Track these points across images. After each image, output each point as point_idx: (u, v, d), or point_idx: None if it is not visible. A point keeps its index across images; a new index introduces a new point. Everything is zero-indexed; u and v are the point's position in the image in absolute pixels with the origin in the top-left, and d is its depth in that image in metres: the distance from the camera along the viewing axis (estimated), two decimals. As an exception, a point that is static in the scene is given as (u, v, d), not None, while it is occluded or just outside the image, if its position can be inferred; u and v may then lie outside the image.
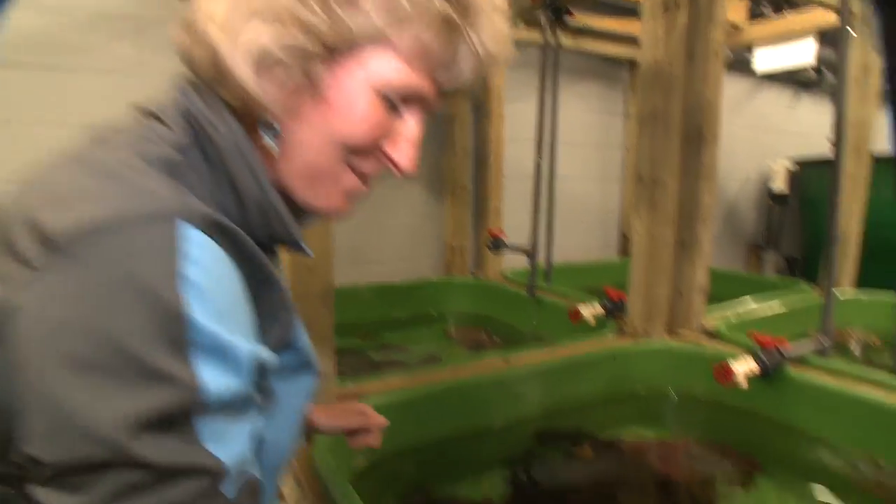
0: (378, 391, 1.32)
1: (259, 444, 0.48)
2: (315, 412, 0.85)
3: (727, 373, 1.38)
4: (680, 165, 1.72)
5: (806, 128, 3.73)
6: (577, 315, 1.84)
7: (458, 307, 2.50)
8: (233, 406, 0.42)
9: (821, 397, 1.41)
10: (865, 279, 2.43)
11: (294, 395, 0.57)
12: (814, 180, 3.24)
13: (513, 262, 2.65)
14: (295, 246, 0.54)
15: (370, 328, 2.31)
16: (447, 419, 1.37)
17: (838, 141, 1.62)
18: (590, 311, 1.85)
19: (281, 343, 0.51)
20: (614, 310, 1.88)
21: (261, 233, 0.50)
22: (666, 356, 1.68)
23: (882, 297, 2.35)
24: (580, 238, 2.98)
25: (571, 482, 1.30)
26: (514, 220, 2.60)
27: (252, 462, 0.45)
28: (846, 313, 2.17)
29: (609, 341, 1.72)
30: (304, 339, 0.57)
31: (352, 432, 0.86)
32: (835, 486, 1.30)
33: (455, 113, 2.42)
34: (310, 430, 0.86)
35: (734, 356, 1.43)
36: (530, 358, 1.55)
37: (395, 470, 1.28)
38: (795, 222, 3.55)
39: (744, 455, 1.40)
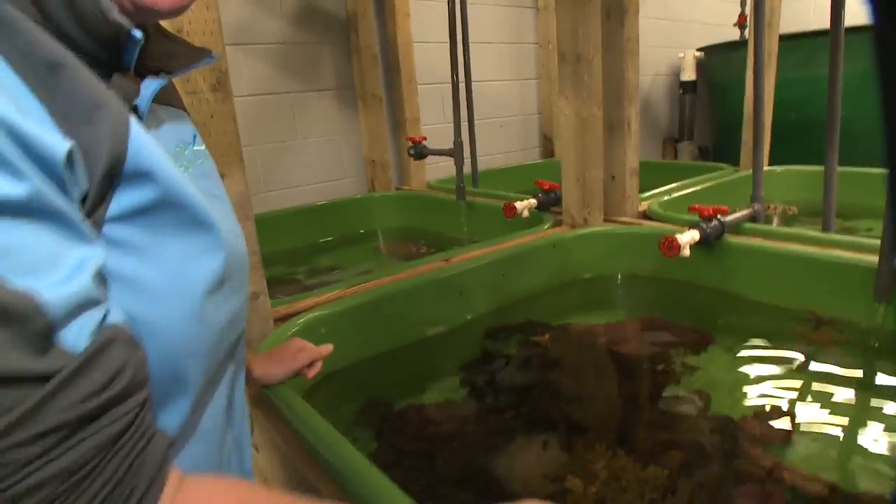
0: (314, 307, 1.20)
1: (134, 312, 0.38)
2: (259, 366, 0.83)
3: (672, 244, 1.35)
4: (602, 40, 1.63)
5: (711, 17, 3.74)
6: (511, 210, 1.76)
7: (385, 222, 2.38)
8: (19, 210, 0.31)
9: (760, 259, 1.42)
10: (772, 158, 2.48)
11: (181, 260, 0.42)
12: (720, 66, 3.26)
13: (437, 173, 2.54)
14: (124, 34, 0.42)
15: (298, 255, 2.17)
16: (392, 326, 1.28)
17: (757, 17, 1.58)
18: (524, 204, 1.78)
19: (114, 159, 0.37)
20: (548, 202, 1.81)
21: (63, 18, 0.39)
22: (608, 239, 1.64)
23: (794, 169, 2.43)
24: (502, 143, 2.89)
25: (528, 373, 1.24)
26: (431, 130, 2.46)
27: (111, 312, 0.35)
28: (764, 186, 2.21)
29: (548, 232, 1.66)
30: (176, 180, 0.42)
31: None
32: (781, 343, 1.31)
33: (357, 11, 2.21)
34: (263, 386, 0.86)
35: (678, 232, 1.40)
36: (471, 255, 1.47)
37: (347, 384, 1.19)
38: (705, 113, 3.60)
39: (694, 328, 1.39)
